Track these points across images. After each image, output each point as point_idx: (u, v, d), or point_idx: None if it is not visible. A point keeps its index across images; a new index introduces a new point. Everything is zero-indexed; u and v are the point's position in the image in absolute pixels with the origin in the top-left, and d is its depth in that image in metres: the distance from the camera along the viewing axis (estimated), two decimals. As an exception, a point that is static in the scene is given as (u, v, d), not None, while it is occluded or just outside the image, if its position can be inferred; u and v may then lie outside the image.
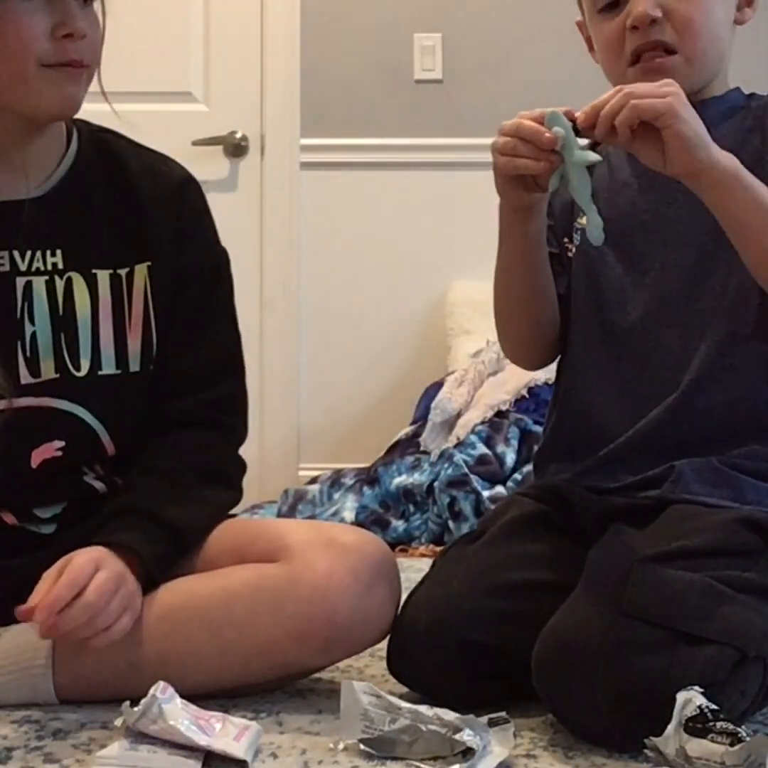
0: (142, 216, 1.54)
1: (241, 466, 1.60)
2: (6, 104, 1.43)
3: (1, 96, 1.42)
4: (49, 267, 1.49)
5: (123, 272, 1.52)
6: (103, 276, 1.52)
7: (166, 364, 1.55)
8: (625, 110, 1.30)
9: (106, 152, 1.56)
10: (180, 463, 1.53)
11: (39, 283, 1.49)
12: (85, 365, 1.50)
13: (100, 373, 1.51)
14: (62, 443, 1.51)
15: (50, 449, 1.50)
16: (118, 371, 1.52)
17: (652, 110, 1.29)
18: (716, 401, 1.47)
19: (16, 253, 1.48)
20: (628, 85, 1.33)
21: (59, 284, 1.50)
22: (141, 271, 1.53)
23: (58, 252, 1.50)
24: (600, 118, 1.32)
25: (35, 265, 1.49)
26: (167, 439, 1.55)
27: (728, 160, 1.34)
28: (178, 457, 1.53)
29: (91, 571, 1.36)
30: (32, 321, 1.48)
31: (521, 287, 1.55)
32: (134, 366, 1.53)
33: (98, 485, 1.54)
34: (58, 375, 1.49)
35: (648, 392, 1.51)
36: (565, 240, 1.60)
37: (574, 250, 1.59)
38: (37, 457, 1.50)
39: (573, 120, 1.34)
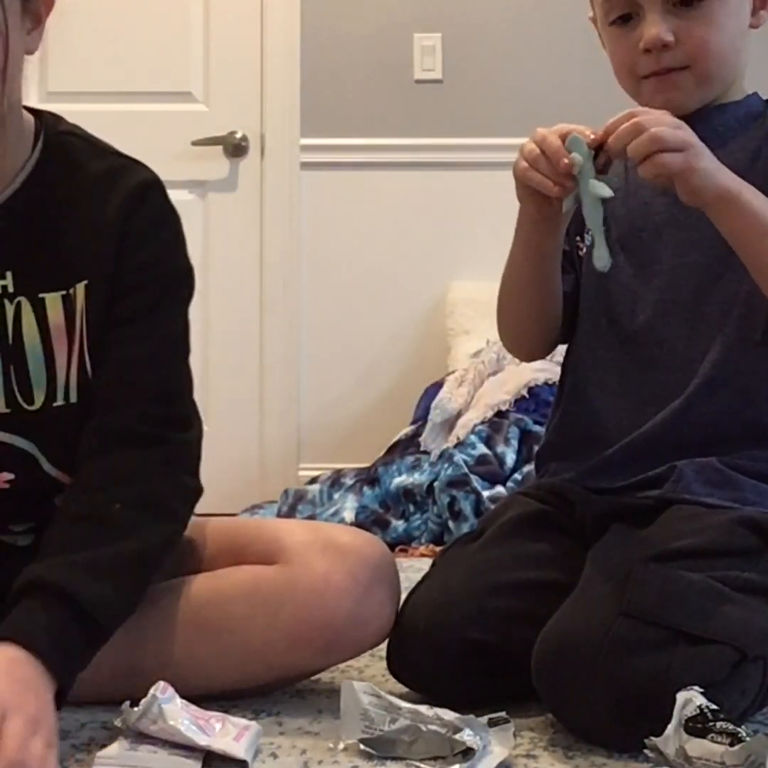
0: (91, 229, 1.37)
1: (186, 497, 1.41)
2: None
3: None
4: None
5: (73, 292, 1.37)
6: (53, 299, 1.37)
7: (107, 381, 1.38)
8: (640, 148, 1.30)
9: (66, 158, 1.39)
10: (110, 496, 1.33)
11: None
12: (39, 398, 1.38)
13: (55, 404, 1.38)
14: (11, 476, 1.41)
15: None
16: (76, 401, 1.39)
17: (666, 169, 1.30)
18: (722, 406, 1.47)
19: None
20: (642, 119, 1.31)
21: (9, 309, 1.35)
22: (80, 289, 1.37)
23: (9, 274, 1.35)
24: (611, 144, 1.32)
25: None
26: (101, 463, 1.36)
27: (731, 187, 1.33)
28: (109, 489, 1.34)
29: None
30: None
31: (531, 292, 1.55)
32: (74, 396, 1.39)
33: None
34: (8, 410, 1.37)
35: (652, 395, 1.50)
36: (577, 238, 1.59)
37: (584, 249, 1.59)
38: None
39: (595, 148, 1.32)
